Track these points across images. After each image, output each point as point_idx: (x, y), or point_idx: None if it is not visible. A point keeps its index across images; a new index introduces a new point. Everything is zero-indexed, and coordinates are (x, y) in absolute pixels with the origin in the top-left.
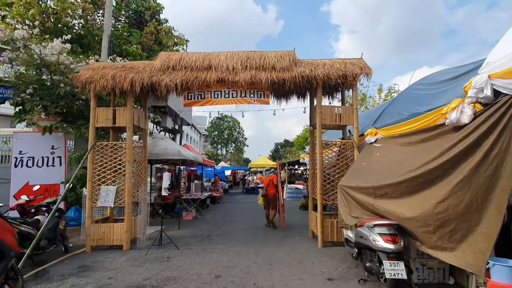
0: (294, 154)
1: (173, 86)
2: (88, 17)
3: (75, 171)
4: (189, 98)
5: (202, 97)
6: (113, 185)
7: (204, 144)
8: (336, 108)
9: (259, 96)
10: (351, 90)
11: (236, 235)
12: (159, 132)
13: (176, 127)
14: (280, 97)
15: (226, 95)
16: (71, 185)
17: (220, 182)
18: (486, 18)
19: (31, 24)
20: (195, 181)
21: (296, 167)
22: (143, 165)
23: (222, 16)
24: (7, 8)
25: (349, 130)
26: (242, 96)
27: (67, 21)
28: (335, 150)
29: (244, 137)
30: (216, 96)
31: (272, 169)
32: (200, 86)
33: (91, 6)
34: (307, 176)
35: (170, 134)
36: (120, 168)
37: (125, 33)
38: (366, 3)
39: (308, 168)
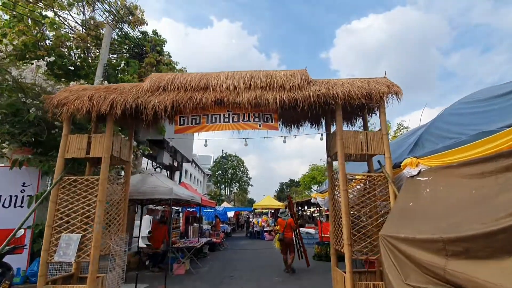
0: (300, 194)
1: (162, 108)
2: (85, 48)
3: (29, 212)
4: (181, 123)
5: (197, 122)
6: (77, 232)
7: (208, 184)
8: (361, 134)
9: (265, 120)
10: (372, 114)
11: None
12: (155, 169)
13: (175, 163)
14: (290, 124)
15: (226, 119)
16: (36, 230)
17: (221, 225)
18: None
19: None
20: (194, 224)
21: (306, 207)
22: (122, 206)
23: (227, 62)
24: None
25: (378, 161)
26: (245, 120)
27: (61, 51)
28: (357, 187)
29: (248, 176)
30: (213, 121)
31: (287, 211)
32: (195, 109)
33: (89, 36)
34: (319, 218)
35: (168, 172)
36: (93, 211)
37: (123, 64)
38: (364, 49)
39: (321, 209)
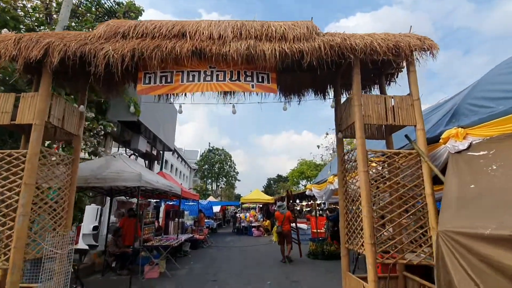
0: (287, 189)
1: (119, 57)
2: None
3: None
4: (147, 81)
5: (168, 80)
6: None
7: (195, 179)
8: (385, 99)
9: (260, 80)
10: (391, 82)
11: None
12: (129, 157)
13: (154, 152)
14: (290, 93)
15: (208, 78)
16: None
17: (206, 221)
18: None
19: None
20: (176, 220)
21: (298, 201)
22: (67, 194)
23: None
24: None
25: (406, 135)
26: (234, 79)
27: (16, 13)
28: (379, 168)
29: (236, 171)
30: (191, 79)
31: (284, 205)
32: (165, 62)
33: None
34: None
35: (146, 162)
36: (15, 197)
37: (87, 28)
38: None
39: (313, 203)
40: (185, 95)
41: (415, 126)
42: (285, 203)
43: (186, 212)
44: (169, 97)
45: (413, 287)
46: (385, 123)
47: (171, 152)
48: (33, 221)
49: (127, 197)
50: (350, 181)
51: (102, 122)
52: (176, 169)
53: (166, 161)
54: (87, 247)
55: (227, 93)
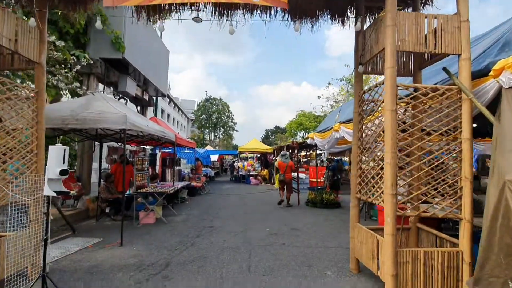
0: (285, 140)
1: None
2: None
3: None
4: None
5: None
6: None
7: (192, 129)
8: (425, 18)
9: None
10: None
11: (218, 264)
12: (118, 100)
13: (146, 97)
14: (301, 16)
15: None
16: None
17: (204, 169)
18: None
19: None
20: (174, 168)
21: (296, 151)
22: (35, 134)
23: None
24: None
25: (445, 68)
26: None
27: None
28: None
29: (234, 121)
30: None
31: (288, 154)
32: None
33: None
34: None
35: (138, 108)
36: None
37: None
38: None
39: (311, 153)
40: (168, 10)
41: (459, 55)
42: (288, 152)
43: (183, 160)
44: (151, 14)
45: (427, 239)
46: (424, 51)
47: (167, 102)
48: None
49: (119, 143)
50: (368, 124)
51: (75, 52)
52: (173, 118)
53: (163, 111)
54: (54, 194)
55: (223, 13)
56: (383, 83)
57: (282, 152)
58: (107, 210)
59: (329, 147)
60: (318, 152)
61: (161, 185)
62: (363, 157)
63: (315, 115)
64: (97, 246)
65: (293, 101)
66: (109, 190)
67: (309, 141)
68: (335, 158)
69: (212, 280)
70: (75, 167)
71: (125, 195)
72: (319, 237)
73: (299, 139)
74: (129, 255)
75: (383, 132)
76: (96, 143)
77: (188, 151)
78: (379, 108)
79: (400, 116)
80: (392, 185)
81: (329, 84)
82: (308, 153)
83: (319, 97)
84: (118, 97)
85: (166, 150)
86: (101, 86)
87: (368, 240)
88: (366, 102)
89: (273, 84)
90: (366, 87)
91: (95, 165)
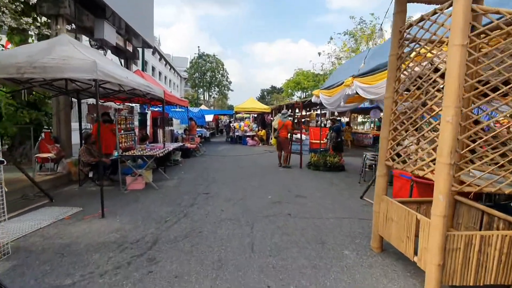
0: (282, 100)
1: None
2: None
3: None
4: None
5: None
6: None
7: (186, 89)
8: None
9: None
10: None
11: (215, 241)
12: (96, 48)
13: (129, 48)
14: None
15: None
16: None
17: (198, 130)
18: None
19: None
20: (166, 128)
21: (297, 110)
22: None
23: None
24: None
25: None
26: None
27: None
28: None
29: (229, 80)
30: None
31: (288, 113)
32: None
33: None
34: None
35: (123, 61)
36: None
37: None
38: None
39: (311, 113)
40: None
41: None
42: (289, 111)
43: (176, 120)
44: None
45: (468, 215)
46: None
47: (158, 58)
48: None
49: (103, 101)
50: (413, 68)
51: None
52: (166, 77)
53: (154, 68)
54: None
55: None
56: (448, 7)
57: (283, 111)
58: (91, 175)
59: (337, 106)
60: (319, 112)
61: (151, 147)
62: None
63: (314, 74)
64: (75, 217)
65: (290, 60)
66: (90, 152)
67: (313, 99)
68: (338, 118)
69: (209, 263)
70: (52, 127)
71: (111, 158)
72: (327, 205)
73: (296, 99)
74: (110, 229)
75: (442, 78)
76: (74, 99)
77: (179, 109)
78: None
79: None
80: (450, 153)
81: (331, 39)
82: (308, 113)
83: (319, 53)
84: (96, 46)
85: (157, 109)
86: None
87: (402, 218)
88: (409, 42)
89: (269, 42)
90: (409, 21)
91: (76, 125)
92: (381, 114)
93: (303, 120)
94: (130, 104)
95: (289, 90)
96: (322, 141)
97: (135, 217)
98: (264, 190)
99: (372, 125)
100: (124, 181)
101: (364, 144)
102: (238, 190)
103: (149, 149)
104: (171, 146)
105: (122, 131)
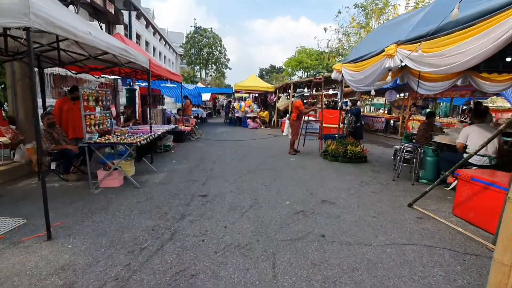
0: (281, 80)
1: None
2: None
3: None
4: None
5: None
6: None
7: (182, 66)
8: None
9: None
10: None
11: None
12: (68, 6)
13: (111, 9)
14: None
15: None
16: None
17: (194, 109)
18: None
19: None
20: (158, 107)
21: (306, 89)
22: None
23: None
24: None
25: None
26: None
27: None
28: None
29: (227, 57)
30: None
31: (302, 92)
32: None
33: None
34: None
35: (104, 25)
36: None
37: None
38: None
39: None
40: None
41: None
42: (305, 89)
43: (169, 99)
44: None
45: None
46: None
47: (151, 32)
48: None
49: (74, 72)
50: None
51: None
52: (160, 53)
53: (147, 43)
54: None
55: None
56: None
57: (298, 90)
58: (53, 166)
59: (367, 84)
60: (331, 92)
61: (134, 130)
62: None
63: (318, 52)
64: (9, 239)
65: (290, 40)
66: (52, 137)
67: (333, 75)
68: (356, 100)
69: None
70: (6, 104)
71: (79, 145)
72: (370, 219)
73: (296, 79)
74: (53, 266)
75: None
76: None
77: (171, 85)
78: None
79: None
80: None
81: (339, 12)
82: (317, 92)
83: (325, 29)
84: (65, 1)
85: (144, 84)
86: None
87: None
88: None
89: (268, 19)
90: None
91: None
92: (398, 96)
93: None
94: (113, 77)
95: (290, 70)
96: (335, 126)
97: (98, 240)
98: (278, 190)
99: (382, 108)
100: (95, 175)
101: (375, 129)
102: (246, 191)
103: (130, 134)
104: (159, 129)
105: (88, 111)
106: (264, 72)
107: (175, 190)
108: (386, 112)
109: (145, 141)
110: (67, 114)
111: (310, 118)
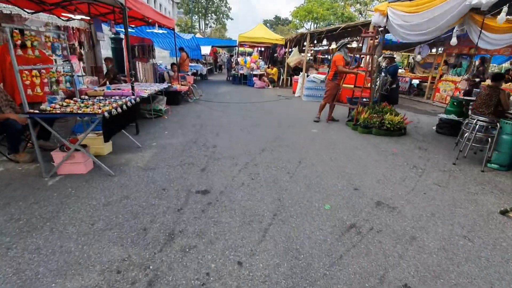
0: (287, 34)
1: None
2: None
3: None
4: None
5: None
6: None
7: (179, 16)
8: None
9: None
10: None
11: None
12: None
13: None
14: None
15: None
16: None
17: (192, 65)
18: None
19: None
20: (151, 61)
21: (326, 42)
22: None
23: None
24: None
25: None
26: None
27: None
28: None
29: (228, 6)
30: None
31: (345, 41)
32: None
33: None
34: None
35: None
36: None
37: None
38: None
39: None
40: None
41: None
42: (346, 40)
43: (163, 52)
44: None
45: None
46: None
47: None
48: None
49: (25, 9)
50: None
51: None
52: (155, 1)
53: None
54: None
55: None
56: None
57: (341, 41)
58: None
59: (432, 30)
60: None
61: (112, 91)
62: None
63: (331, 1)
64: None
65: None
66: None
67: (374, 18)
68: (393, 56)
69: None
70: None
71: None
72: (463, 244)
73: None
74: None
75: None
76: None
77: (160, 31)
78: None
79: None
80: None
81: None
82: (329, 47)
83: None
84: None
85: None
86: None
87: None
88: None
89: None
90: None
91: None
92: (429, 51)
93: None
94: (79, 17)
95: (297, 21)
96: (360, 87)
97: None
98: (308, 181)
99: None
100: (49, 158)
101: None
102: (263, 183)
103: (103, 99)
104: (147, 89)
105: (39, 64)
106: (268, 25)
107: (163, 181)
108: (409, 70)
109: (117, 110)
110: (8, 71)
111: (314, 73)
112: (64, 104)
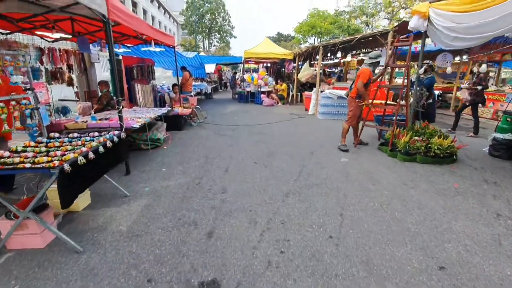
0: (290, 49)
1: None
2: None
3: None
4: None
5: None
6: None
7: (183, 36)
8: None
9: None
10: None
11: None
12: None
13: None
14: None
15: None
16: None
17: (195, 84)
18: None
19: None
20: (152, 82)
21: (339, 55)
22: None
23: None
24: None
25: None
26: None
27: None
28: None
29: (231, 25)
30: None
31: (376, 55)
32: None
33: None
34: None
35: None
36: None
37: None
38: None
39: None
40: None
41: None
42: (379, 51)
43: (166, 72)
44: None
45: None
46: None
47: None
48: None
49: (4, 32)
50: None
51: None
52: (160, 22)
53: (145, 11)
54: None
55: None
56: None
57: (373, 53)
58: None
59: (483, 35)
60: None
61: (97, 123)
62: None
63: (336, 13)
64: None
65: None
66: None
67: (413, 23)
68: (431, 66)
69: None
70: None
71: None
72: None
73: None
74: None
75: None
76: None
77: (157, 49)
78: None
79: None
80: None
81: None
82: (343, 60)
83: None
84: None
85: (122, 51)
86: None
87: None
88: None
89: None
90: None
91: None
92: (453, 59)
93: (332, 70)
94: (57, 35)
95: (300, 36)
96: (392, 103)
97: None
98: (366, 254)
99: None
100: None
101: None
102: (300, 267)
103: (78, 136)
104: (141, 117)
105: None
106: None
107: (150, 262)
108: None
109: (87, 156)
110: None
111: (339, 91)
112: (20, 148)
